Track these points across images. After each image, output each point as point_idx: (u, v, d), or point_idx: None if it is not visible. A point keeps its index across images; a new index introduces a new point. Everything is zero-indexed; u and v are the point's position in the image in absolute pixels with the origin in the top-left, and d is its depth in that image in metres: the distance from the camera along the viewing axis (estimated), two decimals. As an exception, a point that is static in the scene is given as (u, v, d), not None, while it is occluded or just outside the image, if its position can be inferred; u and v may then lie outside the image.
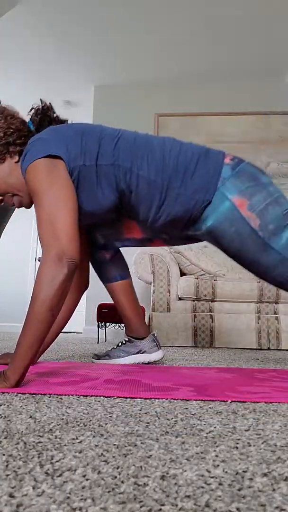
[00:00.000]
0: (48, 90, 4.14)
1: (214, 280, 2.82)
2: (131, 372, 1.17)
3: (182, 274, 3.01)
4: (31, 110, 1.16)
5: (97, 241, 1.45)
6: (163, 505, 0.34)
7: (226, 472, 0.42)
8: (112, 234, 1.42)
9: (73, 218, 0.96)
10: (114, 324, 3.06)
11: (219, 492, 0.37)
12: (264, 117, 3.84)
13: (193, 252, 3.00)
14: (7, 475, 0.40)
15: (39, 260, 5.32)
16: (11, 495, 0.35)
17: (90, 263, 1.49)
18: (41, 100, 1.18)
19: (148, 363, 1.46)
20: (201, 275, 2.90)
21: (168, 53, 3.58)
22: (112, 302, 3.03)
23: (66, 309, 1.36)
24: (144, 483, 0.38)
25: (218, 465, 0.43)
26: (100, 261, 1.47)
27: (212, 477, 0.40)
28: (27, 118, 1.17)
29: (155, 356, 1.45)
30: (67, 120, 1.22)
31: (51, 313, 0.88)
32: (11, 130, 1.08)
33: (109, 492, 0.36)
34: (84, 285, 1.44)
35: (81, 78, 3.97)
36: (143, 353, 1.45)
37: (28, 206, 1.15)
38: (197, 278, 2.83)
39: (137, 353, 1.45)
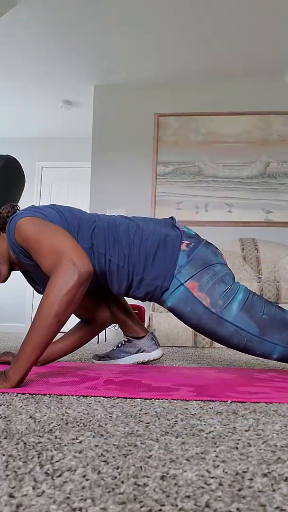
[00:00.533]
0: (48, 90, 4.14)
1: (214, 280, 2.82)
2: (131, 373, 1.17)
3: (182, 274, 3.01)
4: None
5: None
6: (163, 505, 0.34)
7: (226, 472, 0.42)
8: None
9: (73, 239, 1.00)
10: (114, 324, 3.06)
11: (219, 492, 0.37)
12: (264, 117, 3.84)
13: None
14: (7, 475, 0.40)
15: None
16: (11, 495, 0.35)
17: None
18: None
19: (148, 361, 1.46)
20: (201, 275, 2.90)
21: (168, 53, 3.58)
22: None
23: (77, 338, 1.37)
24: (144, 483, 0.38)
25: (218, 466, 0.43)
26: None
27: (212, 478, 0.40)
28: None
29: (155, 354, 1.46)
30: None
31: (57, 319, 0.89)
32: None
33: (109, 492, 0.36)
34: (105, 321, 1.43)
35: (81, 78, 3.97)
36: (142, 352, 1.45)
37: (2, 280, 1.18)
38: (197, 278, 2.83)
39: (137, 352, 1.46)
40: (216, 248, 1.28)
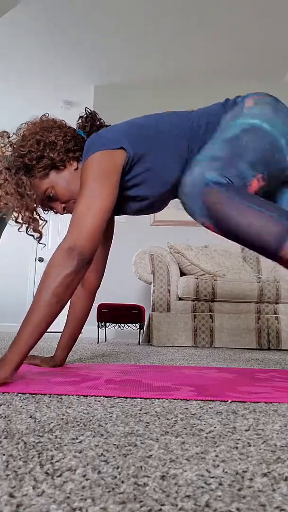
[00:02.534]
0: (48, 90, 4.14)
1: (214, 280, 2.82)
2: (131, 372, 1.17)
3: (182, 274, 3.01)
4: (79, 119, 1.23)
5: None
6: (163, 505, 0.34)
7: (226, 472, 0.42)
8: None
9: (103, 217, 0.99)
10: (114, 324, 3.06)
11: (219, 492, 0.37)
12: (264, 117, 3.84)
13: (193, 252, 3.00)
14: (7, 475, 0.40)
15: (39, 260, 5.32)
16: (11, 495, 0.35)
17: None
18: (86, 108, 1.25)
19: None
20: (201, 275, 2.90)
21: (168, 53, 3.58)
22: (112, 302, 3.03)
23: (80, 310, 1.33)
24: (144, 483, 0.38)
25: (218, 465, 0.43)
26: None
27: (212, 477, 0.40)
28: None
29: None
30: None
31: (56, 300, 0.90)
32: (69, 138, 1.13)
33: (109, 492, 0.36)
34: (96, 285, 1.38)
35: (81, 78, 3.97)
36: None
37: None
38: (197, 278, 2.83)
39: None
40: None
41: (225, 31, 3.28)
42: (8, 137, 1.14)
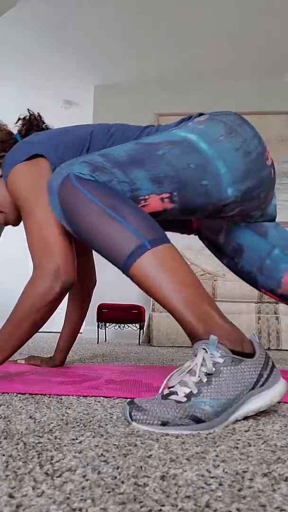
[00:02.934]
0: (48, 90, 4.14)
1: (214, 280, 2.82)
2: (131, 372, 1.17)
3: (182, 274, 3.01)
4: (17, 121, 1.12)
5: None
6: (163, 505, 0.34)
7: (226, 472, 0.41)
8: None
9: (61, 228, 0.89)
10: (114, 324, 3.06)
11: (219, 492, 0.37)
12: (264, 117, 3.84)
13: (193, 252, 3.00)
14: (7, 475, 0.40)
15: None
16: (11, 496, 0.35)
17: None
18: (28, 110, 1.14)
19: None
20: (201, 275, 2.90)
21: (168, 53, 3.58)
22: (112, 302, 3.03)
23: (77, 313, 1.30)
24: (144, 483, 0.38)
25: (218, 465, 0.43)
26: None
27: (212, 477, 0.40)
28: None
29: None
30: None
31: (33, 326, 0.89)
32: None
33: (109, 492, 0.36)
34: (93, 284, 1.33)
35: (81, 78, 3.97)
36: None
37: (15, 223, 1.09)
38: (197, 278, 2.83)
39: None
40: None
41: (225, 31, 3.28)
42: None
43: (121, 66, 3.76)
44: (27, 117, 1.12)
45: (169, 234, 3.79)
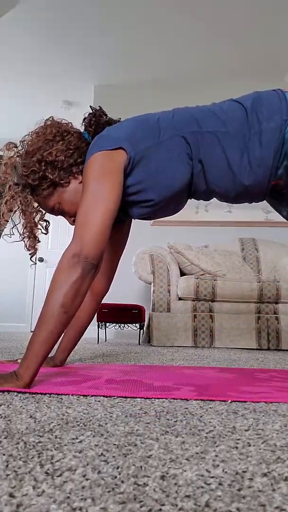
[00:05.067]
0: (48, 90, 4.14)
1: (214, 280, 2.82)
2: (132, 372, 1.17)
3: (182, 274, 3.01)
4: (84, 120, 1.17)
5: None
6: (163, 505, 0.34)
7: (226, 472, 0.42)
8: None
9: (108, 218, 0.96)
10: (114, 324, 3.06)
11: (219, 492, 0.37)
12: (264, 117, 3.84)
13: (193, 252, 3.00)
14: (7, 475, 0.40)
15: (40, 260, 5.33)
16: (11, 495, 0.35)
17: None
18: (91, 107, 1.19)
19: None
20: (201, 275, 2.90)
21: (168, 53, 3.58)
22: (112, 302, 3.03)
23: (84, 313, 1.29)
24: (144, 483, 0.38)
25: (218, 465, 0.43)
26: None
27: (212, 477, 0.40)
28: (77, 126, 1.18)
29: None
30: (120, 119, 1.21)
31: (63, 310, 0.87)
32: (71, 151, 1.09)
33: (109, 492, 0.36)
34: (104, 290, 1.36)
35: (81, 78, 3.97)
36: None
37: None
38: (197, 278, 2.83)
39: None
40: None
41: (225, 31, 3.28)
42: (15, 147, 1.11)
43: (121, 66, 3.76)
44: (92, 115, 1.16)
45: (172, 232, 3.80)
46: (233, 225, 3.73)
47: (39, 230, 1.15)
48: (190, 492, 0.37)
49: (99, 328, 3.00)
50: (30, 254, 1.15)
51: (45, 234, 1.18)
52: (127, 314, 2.94)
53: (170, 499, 0.35)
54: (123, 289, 3.67)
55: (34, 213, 1.10)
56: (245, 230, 3.71)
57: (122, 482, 0.39)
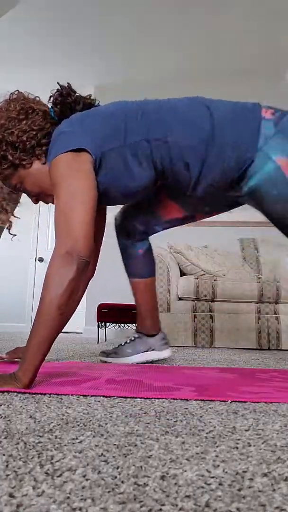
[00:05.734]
0: (48, 90, 4.14)
1: (214, 280, 2.82)
2: (132, 372, 1.17)
3: (182, 274, 3.01)
4: (50, 98, 1.13)
5: (136, 229, 1.41)
6: (163, 505, 0.34)
7: (226, 472, 0.42)
8: (151, 220, 1.38)
9: (89, 212, 0.94)
10: (114, 324, 3.06)
11: (219, 492, 0.37)
12: (264, 117, 3.84)
13: (193, 252, 3.00)
14: (7, 475, 0.40)
15: (39, 260, 5.33)
16: (11, 495, 0.35)
17: (99, 253, 1.42)
18: (58, 83, 1.13)
19: (158, 360, 1.43)
20: (201, 275, 2.90)
21: (168, 53, 3.58)
22: (112, 302, 3.03)
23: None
24: (144, 483, 0.38)
25: (218, 465, 0.43)
26: (133, 256, 1.44)
27: (212, 477, 0.40)
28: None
29: (165, 353, 1.43)
30: (90, 99, 1.16)
31: (59, 312, 0.85)
32: (34, 132, 1.05)
33: (109, 492, 0.36)
34: (90, 275, 1.38)
35: (81, 78, 3.97)
36: (152, 350, 1.43)
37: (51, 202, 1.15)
38: (197, 278, 2.83)
39: (147, 350, 1.43)
40: None
41: (225, 31, 3.28)
42: None
43: (121, 66, 3.76)
44: (59, 94, 1.11)
45: (172, 232, 3.79)
46: (233, 225, 3.73)
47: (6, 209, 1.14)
48: (190, 492, 0.37)
49: (99, 328, 3.00)
50: (6, 228, 1.16)
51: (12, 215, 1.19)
52: (127, 314, 2.94)
53: (170, 499, 0.35)
54: (123, 289, 3.67)
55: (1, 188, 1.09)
56: (245, 230, 3.70)
57: (122, 482, 0.39)
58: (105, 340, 3.17)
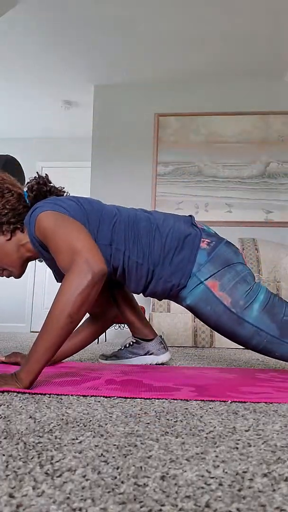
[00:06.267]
0: (48, 90, 4.13)
1: (214, 280, 2.82)
2: (132, 373, 1.17)
3: (182, 274, 3.01)
4: (27, 183, 1.22)
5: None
6: (163, 505, 0.34)
7: (226, 472, 0.41)
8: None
9: (90, 238, 0.99)
10: (114, 324, 3.06)
11: (219, 492, 0.37)
12: (264, 117, 3.84)
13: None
14: (7, 475, 0.40)
15: (40, 261, 5.33)
16: (11, 495, 0.35)
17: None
18: (37, 173, 1.25)
19: (156, 364, 1.46)
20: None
21: (168, 53, 3.58)
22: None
23: (88, 334, 1.39)
24: (144, 484, 0.38)
25: (218, 466, 0.43)
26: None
27: (212, 478, 0.40)
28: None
29: (163, 357, 1.46)
30: (64, 190, 1.28)
31: (70, 320, 0.87)
32: (6, 211, 1.13)
33: (109, 492, 0.36)
34: (113, 316, 1.45)
35: (81, 78, 3.97)
36: (150, 354, 1.46)
37: (17, 277, 1.22)
38: (197, 278, 2.83)
39: (145, 354, 1.46)
40: (237, 248, 1.26)
41: (225, 30, 3.27)
42: None
43: (121, 66, 3.76)
44: (36, 182, 1.21)
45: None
46: (233, 225, 3.73)
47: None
48: (190, 492, 0.36)
49: (99, 328, 2.99)
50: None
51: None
52: (127, 314, 2.93)
53: (170, 500, 0.35)
54: (123, 289, 3.67)
55: None
56: (245, 230, 3.70)
57: (122, 482, 0.39)
58: (105, 340, 3.17)
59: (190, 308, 1.23)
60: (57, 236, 1.00)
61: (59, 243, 0.99)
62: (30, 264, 5.39)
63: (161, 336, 1.50)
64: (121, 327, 3.28)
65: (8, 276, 1.21)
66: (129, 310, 1.48)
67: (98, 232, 1.16)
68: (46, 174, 1.26)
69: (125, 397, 0.80)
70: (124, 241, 1.18)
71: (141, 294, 1.31)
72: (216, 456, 0.46)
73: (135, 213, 1.24)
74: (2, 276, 1.20)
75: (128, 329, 1.54)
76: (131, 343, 1.49)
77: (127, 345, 1.50)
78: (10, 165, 2.06)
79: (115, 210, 1.22)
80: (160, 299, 1.31)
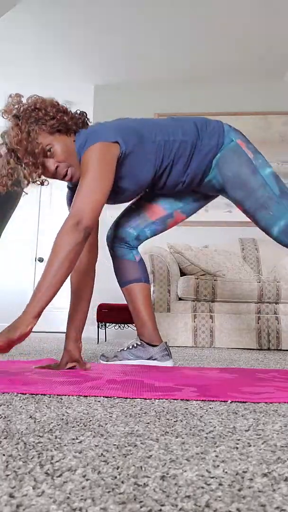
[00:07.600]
0: (48, 90, 4.13)
1: (214, 280, 2.82)
2: (133, 373, 1.17)
3: (182, 274, 3.01)
4: (76, 111, 1.42)
5: (129, 235, 1.56)
6: (163, 505, 0.34)
7: (226, 472, 0.41)
8: (141, 223, 1.59)
9: (103, 198, 1.21)
10: (114, 324, 3.06)
11: (219, 492, 0.37)
12: (264, 117, 3.84)
13: (193, 252, 3.00)
14: (7, 475, 0.40)
15: (39, 261, 5.32)
16: (11, 495, 0.35)
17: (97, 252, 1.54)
18: (77, 110, 1.45)
19: None
20: (201, 275, 2.90)
21: (168, 53, 3.58)
22: (112, 302, 3.03)
23: (88, 286, 1.43)
24: (144, 483, 0.38)
25: (218, 466, 0.43)
26: (131, 261, 1.54)
27: (212, 478, 0.40)
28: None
29: (166, 365, 1.44)
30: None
31: (67, 264, 1.11)
32: (77, 117, 1.37)
33: (109, 492, 0.36)
34: (95, 260, 1.48)
35: (81, 78, 3.97)
36: (154, 360, 1.45)
37: (76, 179, 1.32)
38: (197, 278, 2.83)
39: (148, 359, 1.44)
40: None
41: (225, 31, 3.28)
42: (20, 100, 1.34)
43: (121, 66, 3.76)
44: (83, 113, 1.43)
45: (172, 232, 3.79)
46: (233, 225, 3.73)
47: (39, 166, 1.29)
48: (190, 492, 0.36)
49: (99, 328, 3.00)
50: (41, 183, 1.39)
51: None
52: (127, 314, 2.93)
53: (170, 500, 0.35)
54: (123, 289, 3.67)
55: (38, 143, 1.24)
56: (245, 230, 3.70)
57: (122, 482, 0.39)
58: (105, 340, 3.17)
59: (220, 158, 1.40)
60: (91, 172, 1.19)
61: (88, 177, 1.19)
62: (30, 264, 5.40)
63: (166, 343, 1.48)
64: (121, 327, 3.28)
65: (70, 177, 1.31)
66: (146, 309, 1.50)
67: (144, 138, 1.33)
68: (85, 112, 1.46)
69: (125, 397, 0.80)
70: (164, 132, 1.38)
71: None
72: (216, 456, 0.46)
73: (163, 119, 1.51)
74: (65, 176, 1.30)
75: (132, 329, 1.52)
76: (135, 345, 1.47)
77: (130, 347, 1.48)
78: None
79: (150, 120, 1.46)
80: (185, 207, 1.64)
